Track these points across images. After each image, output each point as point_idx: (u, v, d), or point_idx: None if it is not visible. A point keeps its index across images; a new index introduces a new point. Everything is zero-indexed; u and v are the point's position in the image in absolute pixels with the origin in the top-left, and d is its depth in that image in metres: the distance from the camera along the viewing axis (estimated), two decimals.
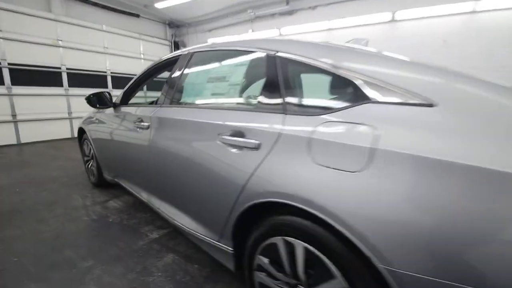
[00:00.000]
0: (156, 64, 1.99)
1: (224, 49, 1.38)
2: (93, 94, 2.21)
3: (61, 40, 5.61)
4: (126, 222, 2.06)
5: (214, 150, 1.13)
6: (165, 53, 8.28)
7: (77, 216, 2.14)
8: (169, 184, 1.49)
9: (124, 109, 2.14)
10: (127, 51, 6.90)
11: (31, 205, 2.36)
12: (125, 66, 6.90)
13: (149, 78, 2.19)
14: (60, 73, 5.69)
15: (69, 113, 5.94)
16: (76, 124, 6.00)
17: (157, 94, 1.80)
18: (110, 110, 2.29)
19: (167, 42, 8.02)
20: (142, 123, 1.70)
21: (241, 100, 1.29)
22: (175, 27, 8.07)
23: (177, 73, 1.61)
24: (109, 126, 2.26)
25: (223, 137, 1.09)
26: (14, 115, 5.09)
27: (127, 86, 2.24)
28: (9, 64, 4.91)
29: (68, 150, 4.76)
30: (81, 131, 2.84)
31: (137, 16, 7.09)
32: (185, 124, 1.31)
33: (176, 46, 8.06)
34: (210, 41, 7.44)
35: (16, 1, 4.94)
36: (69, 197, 2.55)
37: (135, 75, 2.22)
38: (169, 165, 1.42)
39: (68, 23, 5.70)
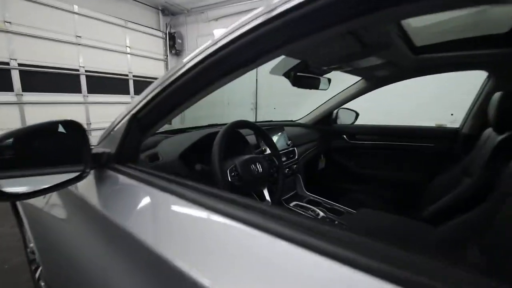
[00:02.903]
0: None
1: None
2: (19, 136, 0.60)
3: (9, 23, 3.80)
4: None
5: None
6: (159, 48, 6.60)
7: None
8: None
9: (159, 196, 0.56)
10: (107, 42, 5.12)
11: None
12: (106, 62, 5.12)
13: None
14: (8, 71, 3.87)
15: None
16: None
17: None
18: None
19: (160, 34, 6.29)
20: None
21: None
22: (170, 15, 6.38)
23: None
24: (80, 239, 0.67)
25: None
26: None
27: (144, 96, 0.67)
28: None
29: None
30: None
31: None
32: None
33: (172, 39, 6.36)
34: (217, 32, 5.83)
35: None
36: None
37: (123, 75, 0.65)
38: None
39: None
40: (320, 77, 1.21)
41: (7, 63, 3.87)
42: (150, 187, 0.56)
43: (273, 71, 1.10)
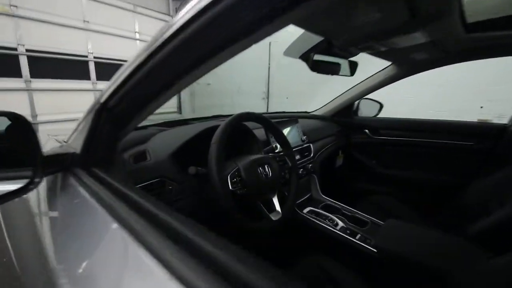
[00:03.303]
0: None
1: None
2: None
3: (15, 7, 3.70)
4: None
5: None
6: None
7: None
8: None
9: None
10: (116, 28, 4.98)
11: None
12: (115, 48, 4.99)
13: None
14: (17, 57, 3.81)
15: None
16: None
17: None
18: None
19: (169, 19, 6.08)
20: None
21: None
22: None
23: None
24: None
25: None
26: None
27: (116, 78, 0.51)
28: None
29: None
30: None
31: None
32: None
33: None
34: None
35: None
36: None
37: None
38: None
39: None
40: (345, 61, 1.00)
41: (15, 49, 3.80)
42: (104, 211, 0.39)
43: (288, 52, 0.90)
